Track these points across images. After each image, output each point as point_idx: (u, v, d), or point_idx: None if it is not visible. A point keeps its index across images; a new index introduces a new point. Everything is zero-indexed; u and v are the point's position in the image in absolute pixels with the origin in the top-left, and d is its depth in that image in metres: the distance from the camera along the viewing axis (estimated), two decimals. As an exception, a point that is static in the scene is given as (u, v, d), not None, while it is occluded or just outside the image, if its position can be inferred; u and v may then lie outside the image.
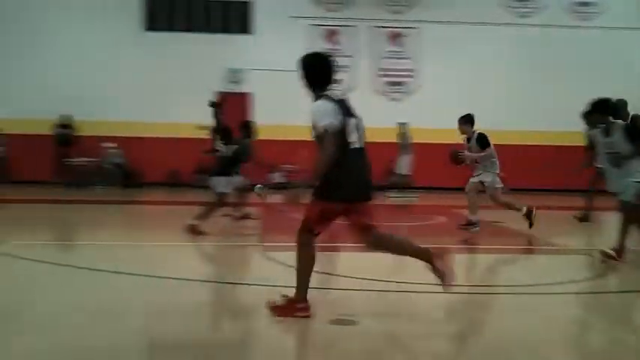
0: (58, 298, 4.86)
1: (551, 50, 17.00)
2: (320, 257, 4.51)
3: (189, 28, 16.84)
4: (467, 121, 9.06)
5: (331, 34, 17.11)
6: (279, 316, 4.31)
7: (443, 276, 4.34)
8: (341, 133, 4.17)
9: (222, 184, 8.54)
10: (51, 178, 15.47)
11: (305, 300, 4.35)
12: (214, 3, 16.99)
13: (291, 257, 4.55)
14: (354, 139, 4.26)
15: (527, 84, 16.78)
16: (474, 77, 16.66)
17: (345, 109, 4.29)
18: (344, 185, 4.21)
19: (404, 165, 14.68)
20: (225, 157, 8.81)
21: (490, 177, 8.87)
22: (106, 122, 15.94)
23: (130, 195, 14.40)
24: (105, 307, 4.54)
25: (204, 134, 11.28)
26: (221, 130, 9.56)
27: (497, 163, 8.93)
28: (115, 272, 5.70)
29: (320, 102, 4.25)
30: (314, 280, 4.43)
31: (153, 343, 4.07)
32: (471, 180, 9.08)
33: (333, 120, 4.15)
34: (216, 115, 10.92)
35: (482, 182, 8.95)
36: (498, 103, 16.11)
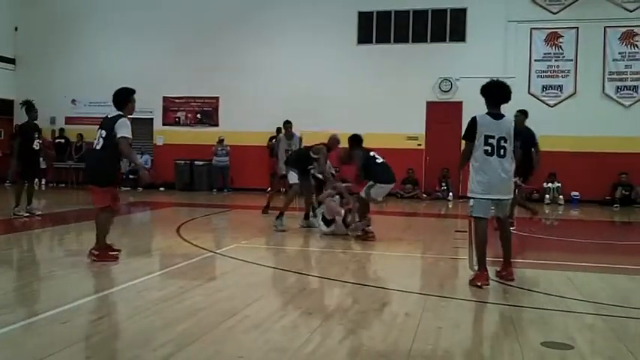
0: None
1: None
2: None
3: (401, 39, 16.60)
4: None
5: (553, 37, 15.72)
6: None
7: None
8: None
9: None
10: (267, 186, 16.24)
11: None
12: (425, 12, 16.57)
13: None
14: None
15: None
16: None
17: None
18: None
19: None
20: None
21: None
22: (321, 133, 16.30)
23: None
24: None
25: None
26: None
27: None
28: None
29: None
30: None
31: None
32: None
33: None
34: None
35: None
36: None
